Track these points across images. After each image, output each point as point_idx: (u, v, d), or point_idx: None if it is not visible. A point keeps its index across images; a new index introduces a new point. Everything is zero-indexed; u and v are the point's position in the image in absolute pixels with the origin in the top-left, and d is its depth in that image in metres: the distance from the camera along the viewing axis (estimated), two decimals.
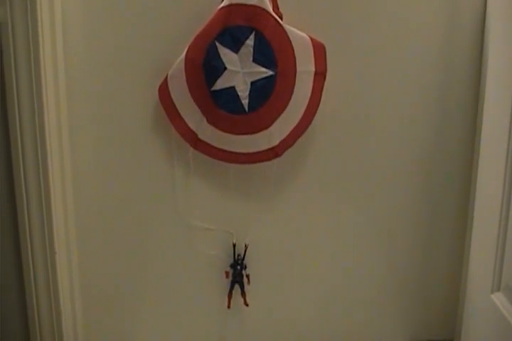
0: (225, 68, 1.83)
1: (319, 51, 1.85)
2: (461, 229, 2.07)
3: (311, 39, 1.84)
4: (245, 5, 1.79)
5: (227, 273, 2.08)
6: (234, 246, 2.06)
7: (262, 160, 1.94)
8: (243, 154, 1.94)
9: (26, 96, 1.73)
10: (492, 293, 1.68)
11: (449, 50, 1.96)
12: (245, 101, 1.85)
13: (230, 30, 1.81)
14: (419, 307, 2.19)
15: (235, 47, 1.82)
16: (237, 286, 2.09)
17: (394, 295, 2.18)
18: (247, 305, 2.10)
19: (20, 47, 1.71)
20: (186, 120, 1.92)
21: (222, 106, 1.87)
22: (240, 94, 1.85)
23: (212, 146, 1.94)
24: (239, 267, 2.07)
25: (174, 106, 1.91)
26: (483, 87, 1.87)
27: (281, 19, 1.82)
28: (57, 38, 1.79)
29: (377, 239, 2.12)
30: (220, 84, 1.84)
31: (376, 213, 2.09)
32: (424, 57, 1.96)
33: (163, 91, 1.90)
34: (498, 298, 1.65)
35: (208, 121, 1.90)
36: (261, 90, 1.85)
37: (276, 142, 1.91)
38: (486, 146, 1.78)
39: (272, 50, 1.82)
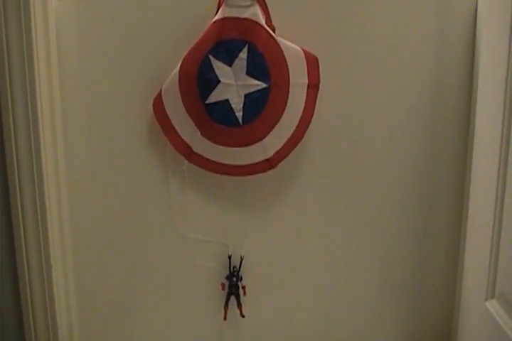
0: (219, 81, 1.84)
1: (312, 63, 1.87)
2: (456, 236, 2.08)
3: (304, 51, 1.86)
4: (238, 18, 1.81)
5: (223, 284, 2.08)
6: (229, 257, 2.06)
7: (256, 172, 1.94)
8: (238, 166, 1.94)
9: (21, 107, 1.72)
10: (486, 300, 1.68)
11: (442, 60, 1.97)
12: (239, 114, 1.86)
13: (224, 44, 1.82)
14: (414, 315, 2.19)
15: (229, 60, 1.83)
16: (233, 298, 2.09)
17: (389, 304, 2.18)
18: (243, 316, 2.09)
19: (14, 57, 1.70)
20: (180, 133, 1.93)
21: (216, 119, 1.87)
22: (234, 106, 1.86)
23: (207, 159, 1.95)
24: (235, 279, 2.07)
25: (168, 119, 1.92)
26: (475, 91, 1.89)
27: (274, 32, 1.84)
28: (52, 50, 1.79)
29: (373, 248, 2.12)
30: (214, 97, 1.85)
31: (371, 223, 2.10)
32: (417, 67, 1.97)
33: (158, 104, 1.91)
34: (493, 306, 1.65)
35: (202, 134, 1.91)
36: (255, 102, 1.86)
37: (271, 153, 1.92)
38: (479, 153, 1.79)
39: (265, 63, 1.83)
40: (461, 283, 1.96)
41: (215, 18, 1.82)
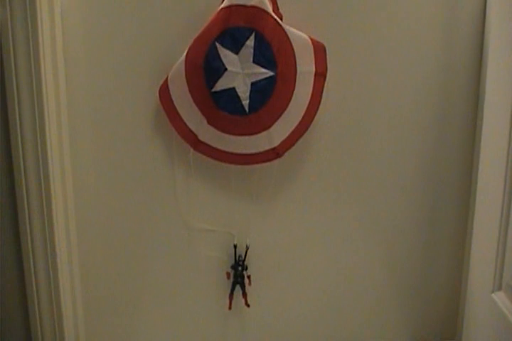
0: (226, 69, 1.83)
1: (319, 51, 1.86)
2: (462, 228, 2.08)
3: (312, 39, 1.85)
4: (245, 6, 1.79)
5: (228, 274, 2.09)
6: (235, 247, 2.06)
7: (262, 161, 1.94)
8: (244, 155, 1.94)
9: (27, 97, 1.71)
10: (493, 292, 1.68)
11: (450, 50, 1.96)
12: (246, 102, 1.85)
13: (230, 31, 1.82)
14: (420, 307, 2.19)
15: (235, 48, 1.82)
16: (238, 287, 2.09)
17: (395, 295, 2.18)
18: (248, 305, 2.10)
19: (20, 50, 1.68)
20: (186, 121, 1.93)
21: (222, 107, 1.87)
22: (240, 95, 1.85)
23: (213, 147, 1.95)
24: (240, 268, 2.07)
25: (174, 107, 1.91)
26: (484, 85, 1.87)
27: (282, 20, 1.83)
28: (57, 40, 1.77)
29: (378, 239, 2.12)
30: (221, 85, 1.85)
31: (377, 213, 2.09)
32: (424, 57, 1.96)
33: (164, 92, 1.90)
34: (500, 297, 1.65)
35: (208, 122, 1.91)
36: (261, 91, 1.85)
37: (277, 142, 1.91)
38: (487, 144, 1.78)
39: (272, 51, 1.82)
40: (467, 275, 1.96)
41: (222, 5, 1.80)
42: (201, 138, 1.93)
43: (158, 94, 1.91)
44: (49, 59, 1.74)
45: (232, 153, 1.94)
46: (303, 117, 1.91)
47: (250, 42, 1.82)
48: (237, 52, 1.83)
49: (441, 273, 2.15)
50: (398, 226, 2.11)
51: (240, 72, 1.84)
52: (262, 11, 1.80)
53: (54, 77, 1.77)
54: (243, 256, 2.07)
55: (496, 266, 1.65)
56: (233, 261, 2.08)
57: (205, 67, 1.84)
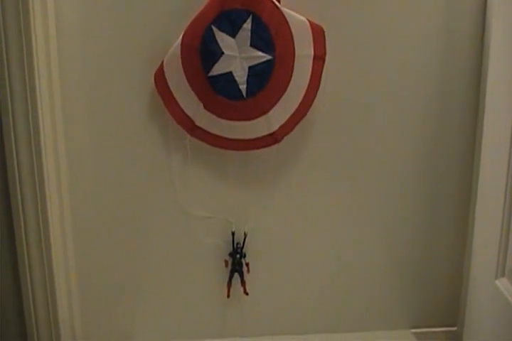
0: (222, 53, 1.81)
1: (318, 35, 1.83)
2: (463, 214, 2.06)
3: (310, 22, 1.82)
4: None
5: (226, 261, 2.07)
6: (233, 234, 2.05)
7: (261, 147, 1.92)
8: (242, 141, 1.92)
9: (18, 83, 1.67)
10: (496, 278, 1.66)
11: (451, 34, 1.94)
12: (243, 87, 1.83)
13: (227, 14, 1.78)
14: (421, 294, 2.18)
15: (232, 31, 1.80)
16: (236, 275, 2.07)
17: (395, 282, 2.17)
18: (247, 293, 2.08)
19: (11, 34, 1.64)
20: (183, 107, 1.90)
21: (219, 91, 1.84)
22: (237, 79, 1.82)
23: (210, 133, 1.92)
24: (238, 255, 2.06)
25: (170, 92, 1.89)
26: (485, 78, 1.84)
27: (279, 2, 1.79)
28: (50, 24, 1.74)
29: (379, 225, 2.11)
30: (217, 69, 1.82)
31: (377, 200, 2.08)
32: (425, 39, 1.94)
33: (159, 77, 1.88)
34: (503, 284, 1.63)
35: (205, 107, 1.88)
36: (259, 75, 1.83)
37: (276, 127, 1.89)
38: (488, 136, 1.76)
39: (269, 34, 1.80)
40: (469, 261, 1.94)
41: None
42: (198, 123, 1.91)
43: (153, 79, 1.88)
44: (42, 46, 1.70)
45: (229, 139, 1.92)
46: (301, 101, 1.88)
47: (247, 25, 1.79)
48: (234, 36, 1.80)
49: (442, 259, 2.14)
50: (399, 211, 2.10)
51: (237, 55, 1.81)
52: None
53: (47, 64, 1.74)
54: (241, 244, 2.06)
55: (499, 252, 1.63)
56: (231, 249, 2.06)
57: (201, 51, 1.81)
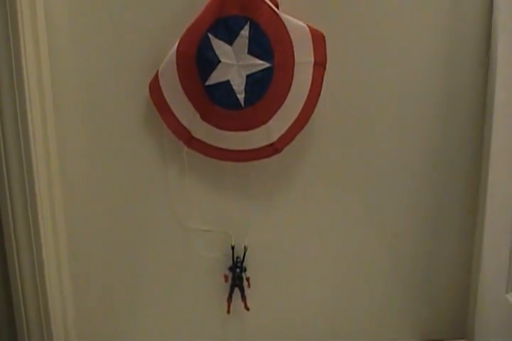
0: (219, 61, 1.77)
1: (318, 41, 1.80)
2: (471, 225, 2.03)
3: (310, 28, 1.78)
4: None
5: (226, 276, 2.03)
6: (232, 248, 2.01)
7: (260, 157, 1.89)
8: (240, 151, 1.89)
9: (7, 91, 1.65)
10: (507, 292, 1.65)
11: (455, 40, 1.91)
12: (241, 96, 1.80)
13: (224, 21, 1.75)
14: (428, 305, 2.14)
15: (229, 38, 1.76)
16: (236, 290, 2.03)
17: (400, 293, 2.14)
18: (247, 309, 2.05)
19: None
20: (179, 117, 1.86)
21: (216, 101, 1.81)
22: (235, 88, 1.79)
23: (207, 144, 1.89)
24: (238, 270, 2.02)
25: (166, 102, 1.85)
26: (492, 76, 1.83)
27: (278, 8, 1.76)
28: (40, 30, 1.70)
29: (382, 236, 2.07)
30: (214, 78, 1.78)
31: (381, 210, 2.04)
32: (428, 46, 1.91)
33: (154, 87, 1.84)
34: None
35: (202, 117, 1.84)
36: (257, 83, 1.79)
37: (275, 138, 1.86)
38: (497, 138, 1.74)
39: (268, 41, 1.76)
40: (477, 272, 1.93)
41: None
42: (195, 134, 1.87)
43: (148, 89, 1.84)
44: (31, 52, 1.67)
45: (227, 150, 1.89)
46: (302, 110, 1.85)
47: (245, 32, 1.75)
48: (231, 43, 1.76)
49: (449, 270, 2.11)
50: (403, 222, 2.06)
51: (235, 63, 1.78)
52: None
53: (37, 72, 1.71)
54: (241, 258, 2.02)
55: (510, 265, 1.63)
56: (231, 263, 2.02)
57: (197, 59, 1.78)
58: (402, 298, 2.14)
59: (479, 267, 1.89)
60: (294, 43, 1.78)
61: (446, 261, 2.10)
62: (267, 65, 1.77)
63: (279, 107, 1.83)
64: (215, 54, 1.76)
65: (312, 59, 1.81)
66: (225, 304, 2.04)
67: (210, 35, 1.75)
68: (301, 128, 1.86)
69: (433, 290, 2.13)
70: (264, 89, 1.80)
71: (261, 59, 1.77)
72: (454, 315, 2.14)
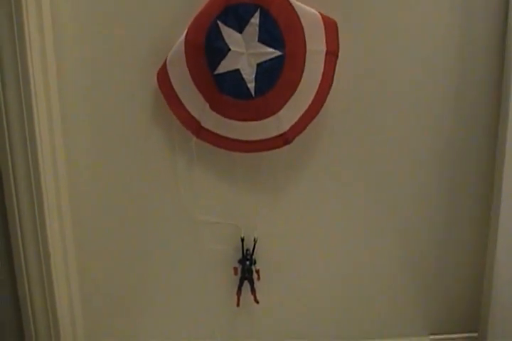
0: (229, 49, 1.75)
1: (331, 29, 1.76)
2: (485, 216, 2.00)
3: (322, 15, 1.75)
4: None
5: (235, 269, 2.02)
6: (242, 240, 1.99)
7: (270, 148, 1.86)
8: (250, 142, 1.86)
9: (13, 83, 1.64)
10: None
11: (470, 29, 1.88)
12: (251, 85, 1.77)
13: (233, 8, 1.72)
14: (440, 299, 2.12)
15: (239, 26, 1.74)
16: (246, 283, 2.02)
17: (412, 288, 2.12)
18: (257, 302, 2.03)
19: (4, 32, 1.61)
20: (188, 107, 1.85)
21: (226, 90, 1.79)
22: (245, 77, 1.77)
23: (217, 134, 1.87)
24: (248, 262, 2.01)
25: (174, 92, 1.83)
26: (508, 68, 1.81)
27: None
28: (45, 21, 1.69)
29: (394, 230, 2.05)
30: (224, 67, 1.76)
31: (392, 203, 2.02)
32: (442, 36, 1.88)
33: (162, 76, 1.82)
34: None
35: (211, 107, 1.82)
36: (268, 72, 1.76)
37: (286, 128, 1.83)
38: None
39: (279, 29, 1.73)
40: (491, 265, 1.90)
41: None
42: (204, 124, 1.85)
43: (156, 78, 1.82)
44: (37, 42, 1.66)
45: (237, 140, 1.86)
46: (313, 100, 1.82)
47: (255, 19, 1.72)
48: (240, 31, 1.74)
49: (461, 264, 2.08)
50: (415, 216, 2.04)
51: (245, 52, 1.75)
52: None
53: (42, 62, 1.70)
54: (251, 250, 2.00)
55: None
56: (240, 255, 2.01)
57: (206, 48, 1.75)
58: (413, 292, 2.12)
59: (493, 260, 1.87)
60: (306, 31, 1.75)
61: (459, 255, 2.08)
62: (278, 53, 1.74)
63: (290, 97, 1.80)
64: (225, 42, 1.74)
65: (324, 47, 1.77)
66: (235, 297, 2.02)
67: (219, 23, 1.73)
68: (313, 118, 1.83)
69: (445, 285, 2.11)
70: (275, 78, 1.77)
71: (272, 47, 1.74)
72: (467, 309, 2.12)
